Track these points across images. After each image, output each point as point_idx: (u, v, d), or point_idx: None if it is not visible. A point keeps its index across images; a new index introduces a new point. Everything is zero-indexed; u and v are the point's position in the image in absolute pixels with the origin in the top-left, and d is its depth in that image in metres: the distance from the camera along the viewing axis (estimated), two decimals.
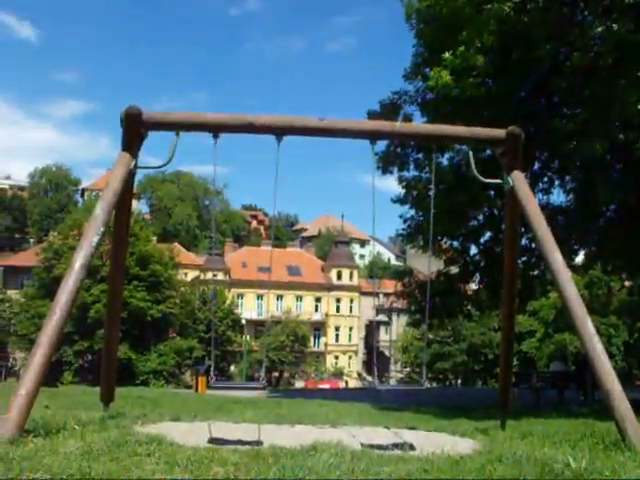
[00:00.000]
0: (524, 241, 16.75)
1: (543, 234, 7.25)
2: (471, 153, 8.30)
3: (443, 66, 15.07)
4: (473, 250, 20.39)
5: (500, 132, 7.80)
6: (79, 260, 6.51)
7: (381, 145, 18.24)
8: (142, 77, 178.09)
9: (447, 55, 14.96)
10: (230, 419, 8.95)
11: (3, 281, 71.57)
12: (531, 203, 7.59)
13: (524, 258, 18.20)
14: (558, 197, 35.65)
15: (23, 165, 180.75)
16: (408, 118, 18.72)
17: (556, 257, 7.07)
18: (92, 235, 6.70)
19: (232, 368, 61.12)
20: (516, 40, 15.19)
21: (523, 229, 11.23)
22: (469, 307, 21.69)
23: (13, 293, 61.96)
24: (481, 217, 19.41)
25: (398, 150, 19.01)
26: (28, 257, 65.19)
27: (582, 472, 4.54)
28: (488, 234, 19.49)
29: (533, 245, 16.38)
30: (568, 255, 17.63)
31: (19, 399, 5.69)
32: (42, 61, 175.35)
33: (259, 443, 5.98)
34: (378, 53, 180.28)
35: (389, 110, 18.87)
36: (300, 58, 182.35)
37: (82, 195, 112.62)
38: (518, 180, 7.67)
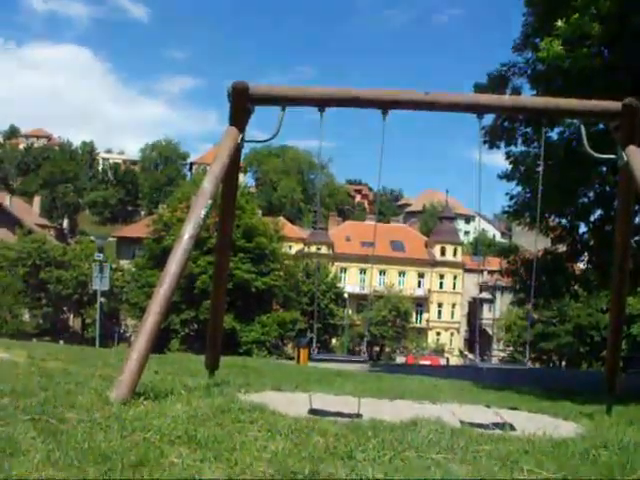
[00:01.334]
0: (638, 220, 16.04)
1: None
2: (583, 127, 7.99)
3: (555, 35, 14.50)
4: (582, 228, 19.73)
5: (616, 105, 7.44)
6: (187, 232, 6.70)
7: (488, 119, 17.83)
8: (250, 52, 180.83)
9: (560, 23, 14.37)
10: (330, 391, 9.07)
11: (116, 251, 74.83)
12: None
13: (637, 237, 17.45)
14: None
15: (136, 140, 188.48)
16: (517, 91, 18.21)
17: None
18: (200, 208, 6.88)
19: (334, 341, 61.81)
20: (636, 5, 14.39)
21: (638, 207, 10.75)
22: (576, 287, 21.03)
23: (125, 263, 64.68)
24: (592, 194, 18.71)
25: (505, 124, 18.52)
26: (139, 229, 67.84)
27: None
28: (599, 212, 18.77)
29: None
30: None
31: (131, 363, 5.95)
32: (153, 39, 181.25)
33: (359, 416, 6.03)
34: (486, 24, 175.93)
35: (497, 83, 18.38)
36: (406, 31, 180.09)
37: (190, 169, 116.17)
38: (634, 156, 7.31)
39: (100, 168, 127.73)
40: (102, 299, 37.18)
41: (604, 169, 16.69)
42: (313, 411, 6.27)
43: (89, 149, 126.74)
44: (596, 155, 7.98)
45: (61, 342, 46.69)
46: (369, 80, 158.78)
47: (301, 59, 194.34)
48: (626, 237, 8.45)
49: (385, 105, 7.61)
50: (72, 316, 69.49)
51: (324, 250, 73.46)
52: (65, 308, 66.65)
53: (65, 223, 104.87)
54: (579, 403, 11.09)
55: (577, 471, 3.98)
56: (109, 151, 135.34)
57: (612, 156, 7.68)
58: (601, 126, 12.49)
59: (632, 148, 7.36)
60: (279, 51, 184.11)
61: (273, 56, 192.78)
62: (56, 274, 61.10)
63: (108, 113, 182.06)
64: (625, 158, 7.35)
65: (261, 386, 8.47)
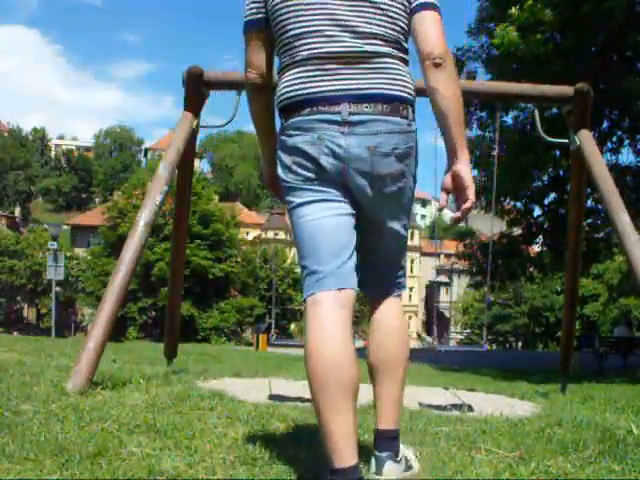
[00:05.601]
0: (590, 202, 16.34)
1: (610, 195, 7.01)
2: (537, 112, 8.08)
3: (509, 22, 14.65)
4: (537, 211, 20.08)
5: (568, 89, 7.53)
6: (143, 219, 6.60)
7: None
8: (206, 36, 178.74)
9: (513, 10, 14.52)
10: (290, 376, 9.08)
11: (71, 240, 73.64)
12: (598, 163, 7.34)
13: (589, 220, 17.80)
14: (627, 157, 34.68)
15: (89, 126, 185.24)
16: (472, 75, 18.36)
17: (623, 219, 6.85)
18: (155, 194, 6.79)
19: (292, 326, 61.87)
20: None
21: (589, 190, 10.95)
22: (531, 269, 21.40)
23: (80, 251, 63.74)
24: (546, 178, 19.02)
25: None
26: (94, 216, 66.83)
27: None
28: (552, 195, 19.11)
29: (599, 207, 15.99)
30: (637, 217, 17.17)
31: (88, 353, 5.86)
32: (107, 23, 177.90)
33: None
34: (442, 7, 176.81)
35: None
36: None
37: (145, 155, 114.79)
38: (585, 140, 7.42)
39: (52, 155, 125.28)
40: (57, 288, 36.53)
41: (557, 153, 16.95)
42: (273, 397, 6.27)
43: (40, 135, 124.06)
44: (549, 139, 8.09)
45: (15, 333, 45.98)
46: None
47: None
48: (579, 220, 8.60)
49: None
50: (26, 306, 68.32)
51: (282, 235, 73.31)
52: (19, 298, 65.50)
53: (17, 211, 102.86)
54: (535, 383, 11.31)
55: (532, 449, 4.05)
56: (61, 137, 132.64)
57: (565, 140, 7.79)
58: (554, 110, 12.69)
59: (584, 132, 7.47)
60: (236, 35, 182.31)
61: (230, 41, 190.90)
62: (9, 264, 59.99)
63: (60, 98, 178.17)
64: (577, 142, 7.45)
65: (220, 373, 8.44)
